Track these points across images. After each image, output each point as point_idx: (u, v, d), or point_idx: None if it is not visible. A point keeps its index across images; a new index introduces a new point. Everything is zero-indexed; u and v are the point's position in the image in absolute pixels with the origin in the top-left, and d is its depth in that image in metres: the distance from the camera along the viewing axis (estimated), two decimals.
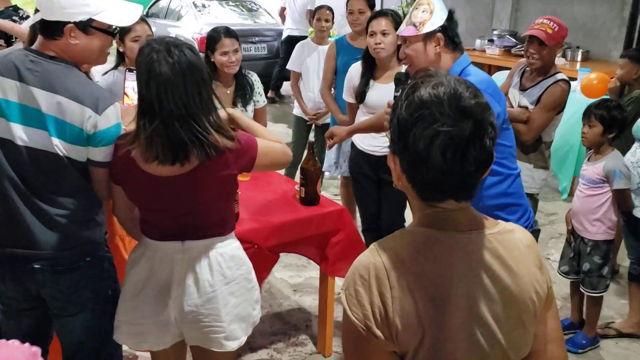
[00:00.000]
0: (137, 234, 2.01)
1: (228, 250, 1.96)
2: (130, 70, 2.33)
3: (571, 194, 4.48)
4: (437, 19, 2.12)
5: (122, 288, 2.00)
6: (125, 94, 2.34)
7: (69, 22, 1.78)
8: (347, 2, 3.87)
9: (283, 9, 8.64)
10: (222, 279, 1.93)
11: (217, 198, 1.91)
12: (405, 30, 2.17)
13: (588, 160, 3.14)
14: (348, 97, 3.39)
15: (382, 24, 3.07)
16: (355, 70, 3.31)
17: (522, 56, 6.54)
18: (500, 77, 5.08)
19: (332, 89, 4.07)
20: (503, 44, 7.01)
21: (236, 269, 1.97)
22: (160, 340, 1.99)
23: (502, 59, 6.86)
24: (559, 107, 3.08)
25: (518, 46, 6.85)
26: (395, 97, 2.21)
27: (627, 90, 3.81)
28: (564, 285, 3.47)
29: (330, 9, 4.52)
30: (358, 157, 3.34)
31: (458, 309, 1.11)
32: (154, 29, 10.65)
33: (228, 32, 3.23)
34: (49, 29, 1.81)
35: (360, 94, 3.22)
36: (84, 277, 1.96)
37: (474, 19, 8.10)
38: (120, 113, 1.96)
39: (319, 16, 4.45)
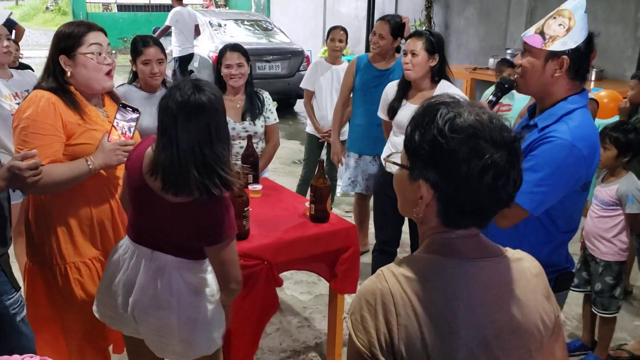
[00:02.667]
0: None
1: (190, 275, 1.99)
2: (124, 107, 2.21)
3: (584, 214, 4.44)
4: (571, 40, 1.80)
5: (104, 271, 2.14)
6: (113, 126, 2.19)
7: None
8: (373, 21, 3.92)
9: (167, 28, 8.62)
10: (179, 297, 1.97)
11: (189, 235, 1.92)
12: (531, 37, 1.86)
13: (602, 181, 3.13)
14: (382, 114, 3.38)
15: (414, 44, 3.07)
16: (391, 88, 3.31)
17: None
18: (521, 97, 5.08)
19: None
20: None
21: (201, 291, 2.00)
22: (125, 329, 2.10)
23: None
24: None
25: None
26: (490, 101, 2.04)
27: None
28: (575, 305, 3.44)
29: (344, 29, 4.57)
30: (384, 178, 3.29)
31: (464, 338, 1.10)
32: (170, 48, 10.77)
33: (234, 47, 3.33)
34: None
35: (392, 110, 3.22)
36: None
37: (488, 37, 8.14)
38: (103, 146, 2.13)
39: (332, 36, 4.50)
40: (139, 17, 13.43)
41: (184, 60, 8.67)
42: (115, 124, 2.19)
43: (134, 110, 2.22)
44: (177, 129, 1.78)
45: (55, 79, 2.17)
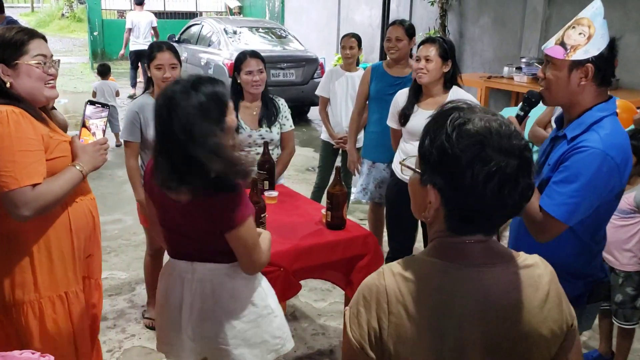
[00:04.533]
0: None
1: (229, 280, 1.99)
2: (92, 103, 2.07)
3: None
4: (593, 48, 1.78)
5: (157, 299, 2.13)
6: (85, 126, 2.03)
7: None
8: (387, 29, 3.93)
9: (129, 29, 10.45)
10: (226, 303, 1.97)
11: (209, 231, 1.92)
12: (552, 49, 1.84)
13: None
14: (392, 123, 3.37)
15: (428, 50, 3.07)
16: (401, 95, 3.31)
17: None
18: None
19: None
20: (531, 71, 6.99)
21: (243, 296, 2.00)
22: (184, 354, 2.06)
23: (530, 86, 6.83)
24: None
25: None
26: (518, 115, 2.01)
27: None
28: None
29: (355, 36, 4.59)
30: (397, 186, 3.30)
31: (456, 342, 1.09)
32: (185, 55, 10.90)
33: (253, 53, 3.34)
34: None
35: (404, 117, 3.21)
36: None
37: (502, 46, 8.11)
38: (76, 150, 1.99)
39: (344, 44, 4.54)
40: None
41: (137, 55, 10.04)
42: (85, 122, 2.05)
43: (104, 105, 2.10)
44: (163, 124, 1.82)
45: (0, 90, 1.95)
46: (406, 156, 3.22)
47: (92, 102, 2.09)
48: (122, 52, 10.81)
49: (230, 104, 1.90)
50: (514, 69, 7.22)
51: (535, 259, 1.20)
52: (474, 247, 1.14)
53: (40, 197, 1.86)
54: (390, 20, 10.01)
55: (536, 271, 1.18)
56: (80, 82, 12.05)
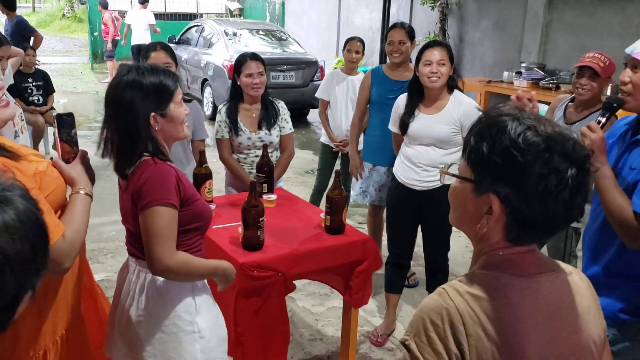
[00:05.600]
0: None
1: (161, 280, 1.91)
2: (59, 116, 1.86)
3: None
4: None
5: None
6: (63, 141, 1.82)
7: None
8: (387, 32, 3.90)
9: (128, 26, 11.74)
10: (152, 304, 1.91)
11: (134, 216, 1.88)
12: None
13: None
14: (394, 127, 3.33)
15: (440, 53, 3.04)
16: (402, 100, 3.26)
17: (550, 89, 6.57)
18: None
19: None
20: (531, 76, 6.99)
21: (169, 302, 1.91)
22: (114, 352, 2.04)
23: (529, 91, 6.80)
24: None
25: (546, 79, 6.81)
26: (598, 122, 1.95)
27: None
28: None
29: (361, 40, 4.53)
30: (398, 190, 3.26)
31: (532, 357, 1.07)
32: (185, 56, 10.90)
33: (254, 56, 3.33)
34: None
35: (403, 125, 3.17)
36: None
37: (502, 51, 8.11)
38: (67, 173, 1.77)
39: (349, 47, 4.47)
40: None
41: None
42: (62, 137, 1.84)
43: (68, 115, 1.90)
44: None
45: None
46: (409, 161, 3.23)
47: (59, 115, 1.92)
48: (123, 42, 12.04)
49: (178, 95, 1.90)
50: (514, 73, 7.21)
51: (570, 267, 1.19)
52: (526, 257, 1.11)
53: (74, 242, 1.67)
54: (391, 23, 10.04)
55: (576, 278, 1.17)
56: (80, 83, 12.04)
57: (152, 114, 1.84)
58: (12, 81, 3.75)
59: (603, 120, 1.94)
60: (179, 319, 1.90)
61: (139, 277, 1.95)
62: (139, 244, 1.89)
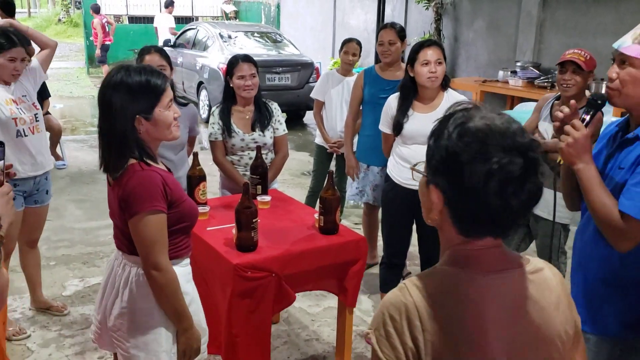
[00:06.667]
0: None
1: (140, 275, 1.97)
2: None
3: None
4: None
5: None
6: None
7: None
8: (377, 33, 3.91)
9: (155, 28, 12.52)
10: (133, 299, 1.96)
11: (122, 218, 1.92)
12: (630, 47, 1.74)
13: None
14: (384, 127, 3.32)
15: (436, 53, 3.05)
16: (393, 101, 3.25)
17: (545, 88, 6.59)
18: (523, 109, 5.06)
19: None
20: (526, 75, 7.00)
21: (148, 295, 1.95)
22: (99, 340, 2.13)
23: (525, 90, 6.84)
24: (596, 136, 3.03)
25: (541, 78, 6.83)
26: (583, 119, 1.91)
27: None
28: None
29: (358, 42, 4.53)
30: (392, 190, 3.27)
31: (492, 353, 1.08)
32: (180, 59, 10.88)
33: (246, 58, 3.34)
34: None
35: (397, 126, 3.17)
36: None
37: (497, 50, 8.13)
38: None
39: (346, 49, 4.47)
40: (149, 29, 13.51)
41: None
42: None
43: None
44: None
45: None
46: (404, 160, 3.24)
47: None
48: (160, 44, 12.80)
49: (165, 98, 1.89)
50: (509, 72, 7.22)
51: (541, 262, 1.20)
52: (489, 253, 1.12)
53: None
54: None
55: (547, 274, 1.18)
56: (76, 87, 12.04)
57: (137, 116, 1.84)
58: (45, 78, 3.69)
59: (587, 118, 1.91)
60: (160, 313, 1.96)
61: (124, 270, 1.99)
62: (125, 239, 1.94)
